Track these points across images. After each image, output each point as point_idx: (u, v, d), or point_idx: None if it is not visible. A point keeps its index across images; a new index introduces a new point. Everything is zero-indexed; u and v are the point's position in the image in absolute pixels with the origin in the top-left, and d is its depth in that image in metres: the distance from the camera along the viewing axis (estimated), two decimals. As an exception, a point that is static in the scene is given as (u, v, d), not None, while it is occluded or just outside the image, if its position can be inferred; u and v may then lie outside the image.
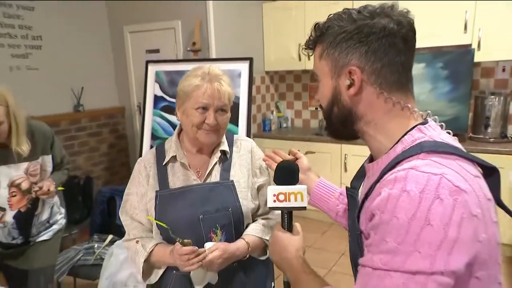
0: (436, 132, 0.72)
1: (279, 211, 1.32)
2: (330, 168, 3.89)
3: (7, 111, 1.71)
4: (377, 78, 0.73)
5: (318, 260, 3.22)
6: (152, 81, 3.31)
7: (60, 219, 2.12)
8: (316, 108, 4.40)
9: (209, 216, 1.23)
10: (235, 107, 3.06)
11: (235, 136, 1.41)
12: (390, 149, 0.74)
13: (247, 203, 1.29)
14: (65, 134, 3.92)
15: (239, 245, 1.24)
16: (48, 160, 1.97)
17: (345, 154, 3.76)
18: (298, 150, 1.24)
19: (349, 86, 0.75)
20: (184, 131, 1.31)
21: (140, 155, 2.90)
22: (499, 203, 0.70)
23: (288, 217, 0.96)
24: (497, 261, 0.67)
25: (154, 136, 3.23)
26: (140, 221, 1.32)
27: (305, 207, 0.94)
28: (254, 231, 1.29)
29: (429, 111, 0.77)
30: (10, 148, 1.77)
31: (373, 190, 0.72)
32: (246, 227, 1.32)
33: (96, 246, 2.57)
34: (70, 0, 3.87)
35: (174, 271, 1.28)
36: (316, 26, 0.79)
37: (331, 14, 0.77)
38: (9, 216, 1.86)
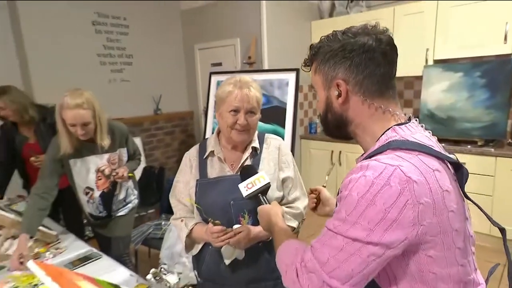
0: (410, 132, 0.72)
1: (304, 203, 1.34)
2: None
3: (94, 114, 1.77)
4: (360, 88, 0.74)
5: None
6: (214, 89, 3.39)
7: (134, 199, 2.16)
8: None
9: (238, 202, 1.23)
10: (282, 112, 3.06)
11: (266, 135, 1.41)
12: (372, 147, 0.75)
13: (272, 192, 1.27)
14: (146, 132, 4.14)
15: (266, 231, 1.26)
16: (124, 152, 2.04)
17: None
18: (316, 189, 1.17)
19: (338, 96, 0.76)
20: (221, 131, 1.33)
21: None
22: (464, 193, 0.70)
23: (263, 196, 1.08)
24: (454, 245, 0.67)
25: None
26: (185, 204, 1.35)
27: (269, 183, 1.09)
28: None
29: (410, 114, 0.77)
30: (96, 142, 1.85)
31: None
32: None
33: (163, 223, 2.64)
34: (154, 25, 4.13)
35: (210, 247, 1.29)
36: (311, 46, 0.81)
37: (323, 36, 0.79)
38: (96, 195, 1.96)
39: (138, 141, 4.02)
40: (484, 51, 3.07)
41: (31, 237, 1.64)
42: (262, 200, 1.06)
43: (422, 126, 0.77)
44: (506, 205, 2.92)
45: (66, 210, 2.51)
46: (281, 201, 1.34)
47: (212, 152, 1.33)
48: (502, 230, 0.73)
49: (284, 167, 1.36)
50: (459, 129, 3.18)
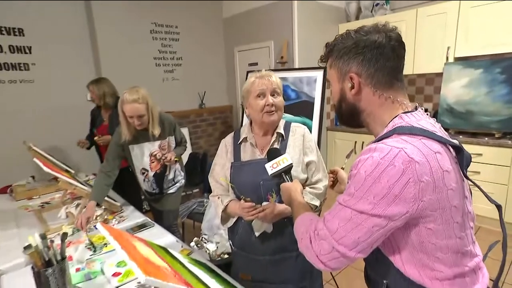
0: (416, 119, 0.70)
1: (325, 184, 1.31)
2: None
3: (147, 107, 1.82)
4: (372, 80, 0.73)
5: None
6: (250, 86, 3.42)
7: (181, 179, 2.20)
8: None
9: (267, 183, 1.23)
10: (311, 106, 3.01)
11: (292, 124, 1.38)
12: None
13: (297, 174, 1.26)
14: (192, 124, 4.24)
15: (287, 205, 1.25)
16: (172, 139, 2.07)
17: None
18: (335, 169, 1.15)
19: (351, 88, 0.75)
20: (253, 120, 1.33)
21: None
22: (464, 174, 0.67)
23: (286, 175, 1.06)
24: (453, 219, 0.65)
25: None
26: (221, 183, 1.36)
27: (291, 163, 1.06)
28: None
29: (417, 103, 0.76)
30: (149, 131, 1.91)
31: None
32: None
33: (205, 200, 2.70)
34: (200, 32, 4.20)
35: (242, 220, 1.31)
36: (327, 44, 0.80)
37: (337, 35, 0.79)
38: (150, 175, 2.03)
39: (185, 131, 4.13)
40: (504, 48, 2.80)
41: (97, 205, 1.74)
42: (285, 178, 1.05)
43: (427, 114, 0.75)
44: (523, 194, 2.68)
45: (127, 187, 2.64)
46: (305, 182, 1.32)
47: (245, 139, 1.33)
48: (499, 207, 0.71)
49: (308, 152, 1.34)
50: (477, 122, 2.94)
